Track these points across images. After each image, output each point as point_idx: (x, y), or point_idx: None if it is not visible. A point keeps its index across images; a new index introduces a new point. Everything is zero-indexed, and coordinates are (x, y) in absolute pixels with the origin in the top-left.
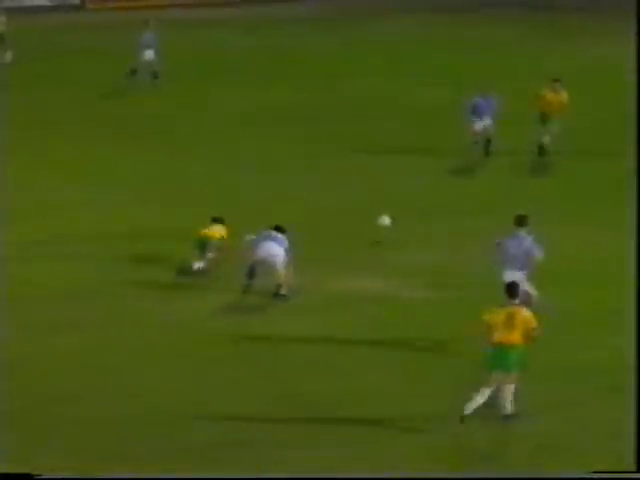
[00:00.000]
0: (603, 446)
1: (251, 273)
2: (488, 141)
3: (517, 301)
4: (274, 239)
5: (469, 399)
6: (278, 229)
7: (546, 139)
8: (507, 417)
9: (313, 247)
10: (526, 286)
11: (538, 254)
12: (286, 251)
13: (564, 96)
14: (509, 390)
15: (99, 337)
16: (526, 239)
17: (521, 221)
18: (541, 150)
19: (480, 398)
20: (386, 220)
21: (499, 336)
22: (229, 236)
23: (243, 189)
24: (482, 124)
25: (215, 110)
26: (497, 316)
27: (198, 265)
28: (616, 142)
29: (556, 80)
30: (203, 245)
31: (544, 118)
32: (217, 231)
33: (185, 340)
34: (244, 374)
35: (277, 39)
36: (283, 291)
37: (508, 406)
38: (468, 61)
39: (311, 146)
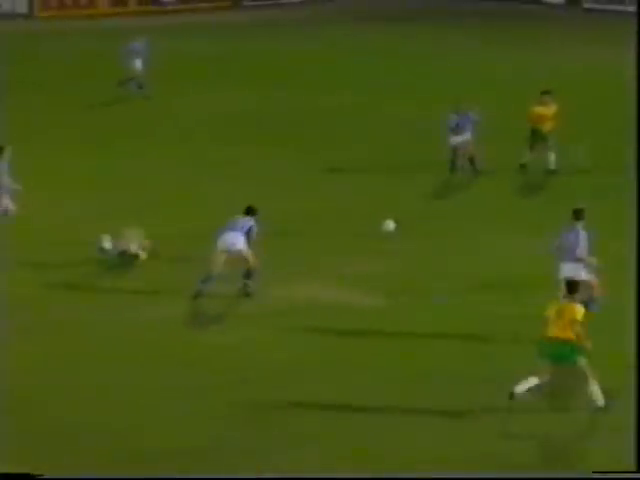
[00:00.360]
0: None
1: (206, 280)
2: (471, 159)
3: (576, 297)
4: (234, 228)
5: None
6: (249, 211)
7: (551, 156)
8: (598, 408)
9: (272, 254)
10: (584, 276)
11: (582, 248)
12: (250, 232)
13: (554, 109)
14: (591, 385)
15: (54, 344)
16: (582, 232)
17: (578, 215)
18: (523, 168)
19: (528, 386)
20: (390, 225)
21: (551, 331)
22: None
23: (211, 196)
24: (460, 139)
25: (184, 117)
26: (550, 311)
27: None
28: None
29: (545, 92)
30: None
31: (536, 134)
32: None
33: (142, 347)
34: (204, 381)
35: (236, 45)
36: (251, 278)
37: (598, 398)
38: (429, 70)
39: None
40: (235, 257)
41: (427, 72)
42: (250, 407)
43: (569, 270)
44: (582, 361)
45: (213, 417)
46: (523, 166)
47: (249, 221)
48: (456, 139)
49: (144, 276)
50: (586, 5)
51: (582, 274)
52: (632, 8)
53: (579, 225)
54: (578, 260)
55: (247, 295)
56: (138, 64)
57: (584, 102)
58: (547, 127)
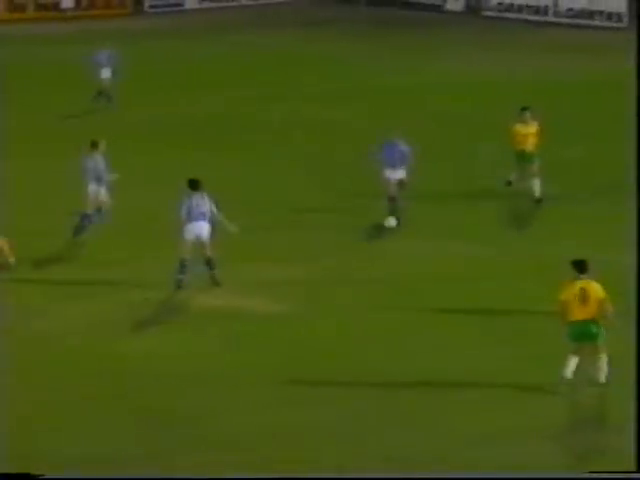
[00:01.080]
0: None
1: (182, 269)
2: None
3: (586, 276)
4: (200, 217)
5: (564, 370)
6: (195, 186)
7: (535, 184)
8: (602, 386)
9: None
10: None
11: None
12: (214, 215)
13: (535, 126)
14: (603, 360)
15: None
16: None
17: None
18: (508, 185)
19: (572, 367)
20: (392, 221)
21: (576, 312)
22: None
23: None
24: (397, 175)
25: (80, 125)
26: (570, 292)
27: None
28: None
29: (524, 109)
30: None
31: (522, 157)
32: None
33: (45, 356)
34: (103, 390)
35: (137, 51)
36: (214, 262)
37: (602, 376)
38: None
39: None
40: (201, 243)
41: (333, 77)
42: (154, 413)
43: None
44: (602, 338)
45: (116, 424)
46: (509, 183)
47: (207, 201)
48: (393, 175)
49: (49, 282)
50: (485, 13)
51: None
52: (530, 17)
53: None
54: None
55: (216, 284)
56: (105, 74)
57: (489, 109)
58: (530, 146)
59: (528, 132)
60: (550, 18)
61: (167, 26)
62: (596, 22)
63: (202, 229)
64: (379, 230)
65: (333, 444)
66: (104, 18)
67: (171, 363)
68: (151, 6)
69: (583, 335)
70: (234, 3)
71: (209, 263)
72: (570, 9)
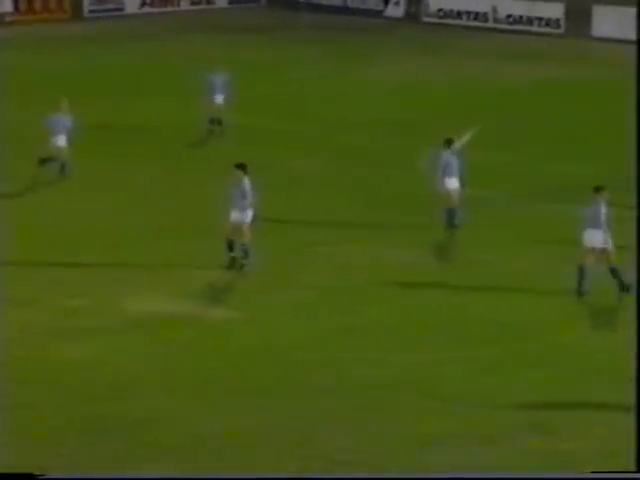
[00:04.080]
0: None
1: (230, 246)
2: (452, 211)
3: None
4: (241, 201)
5: None
6: (242, 168)
7: None
8: None
9: (115, 268)
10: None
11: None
12: (247, 196)
13: None
14: None
15: None
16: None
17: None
18: None
19: None
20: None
21: None
22: None
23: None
24: (453, 184)
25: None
26: None
27: None
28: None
29: None
30: None
31: None
32: None
33: None
34: (43, 397)
35: (77, 58)
36: (247, 250)
37: None
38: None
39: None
40: (239, 229)
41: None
42: (91, 421)
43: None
44: None
45: (52, 433)
46: None
47: (247, 183)
48: (449, 183)
49: None
50: (425, 19)
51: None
52: (469, 23)
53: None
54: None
55: (241, 268)
56: (219, 99)
57: (430, 114)
58: None
59: None
60: (489, 24)
61: (105, 31)
62: (535, 28)
63: (240, 214)
64: (315, 235)
65: (276, 449)
66: (43, 23)
67: (106, 370)
68: (90, 11)
69: None
70: (174, 8)
71: (243, 248)
72: (509, 15)
